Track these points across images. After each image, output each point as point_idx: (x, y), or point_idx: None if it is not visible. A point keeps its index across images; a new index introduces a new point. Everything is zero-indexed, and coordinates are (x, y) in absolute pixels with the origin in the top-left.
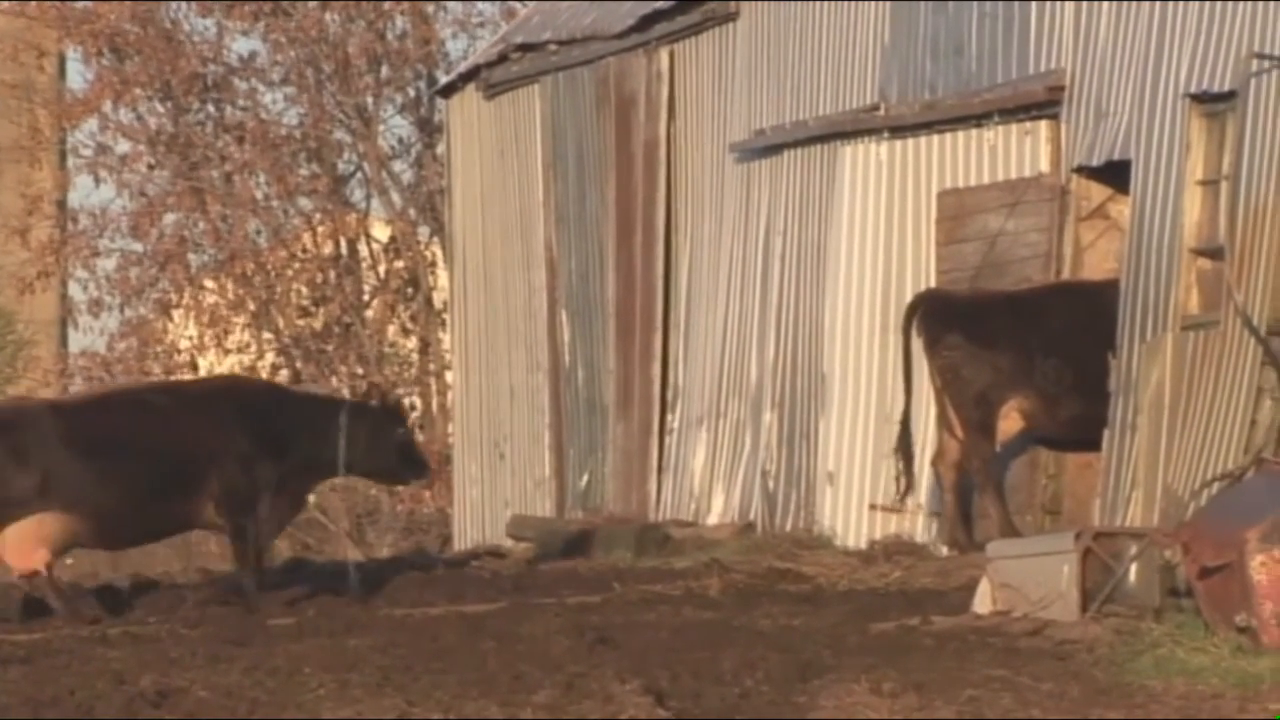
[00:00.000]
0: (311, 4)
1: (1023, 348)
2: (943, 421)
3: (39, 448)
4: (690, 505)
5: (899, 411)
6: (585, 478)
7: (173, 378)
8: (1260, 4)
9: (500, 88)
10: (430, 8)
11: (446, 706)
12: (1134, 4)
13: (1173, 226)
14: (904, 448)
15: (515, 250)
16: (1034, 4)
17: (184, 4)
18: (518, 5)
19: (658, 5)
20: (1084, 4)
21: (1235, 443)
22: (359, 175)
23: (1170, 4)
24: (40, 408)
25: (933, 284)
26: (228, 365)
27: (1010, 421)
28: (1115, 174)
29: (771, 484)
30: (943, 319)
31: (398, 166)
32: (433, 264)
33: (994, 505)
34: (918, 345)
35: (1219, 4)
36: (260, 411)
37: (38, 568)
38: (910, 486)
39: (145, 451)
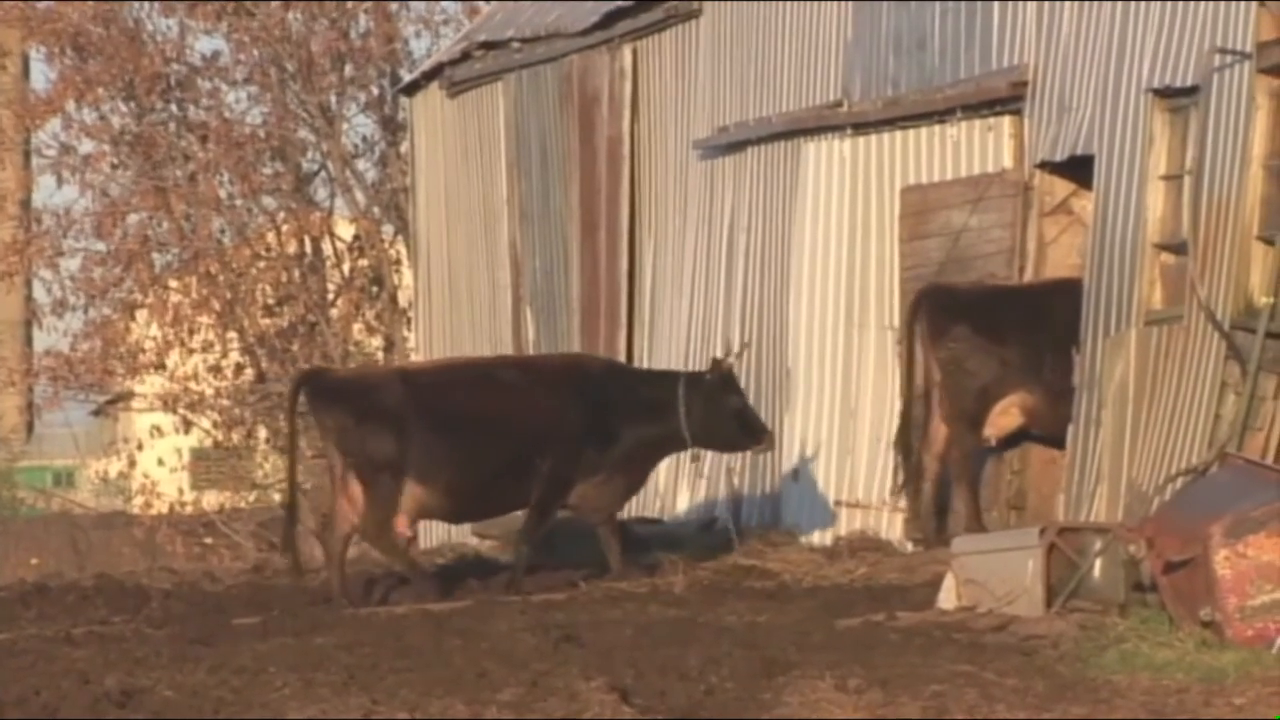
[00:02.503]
0: (274, 3)
1: (1030, 343)
2: (936, 412)
3: (390, 415)
4: (655, 502)
5: (877, 406)
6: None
7: (514, 354)
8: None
9: (464, 86)
10: (393, 6)
11: (412, 705)
12: (1096, 0)
13: (1136, 221)
14: (903, 441)
15: (479, 248)
16: (996, 0)
17: (147, 4)
18: (481, 3)
19: (621, 3)
20: (1046, 0)
21: (1199, 437)
22: (323, 174)
23: (1133, 0)
24: (394, 376)
25: (896, 280)
26: (192, 365)
27: (1009, 418)
28: (1078, 169)
29: (736, 480)
30: (949, 311)
31: (361, 165)
32: (397, 262)
33: (965, 501)
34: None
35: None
36: (601, 392)
37: (402, 532)
38: (909, 479)
39: (494, 428)
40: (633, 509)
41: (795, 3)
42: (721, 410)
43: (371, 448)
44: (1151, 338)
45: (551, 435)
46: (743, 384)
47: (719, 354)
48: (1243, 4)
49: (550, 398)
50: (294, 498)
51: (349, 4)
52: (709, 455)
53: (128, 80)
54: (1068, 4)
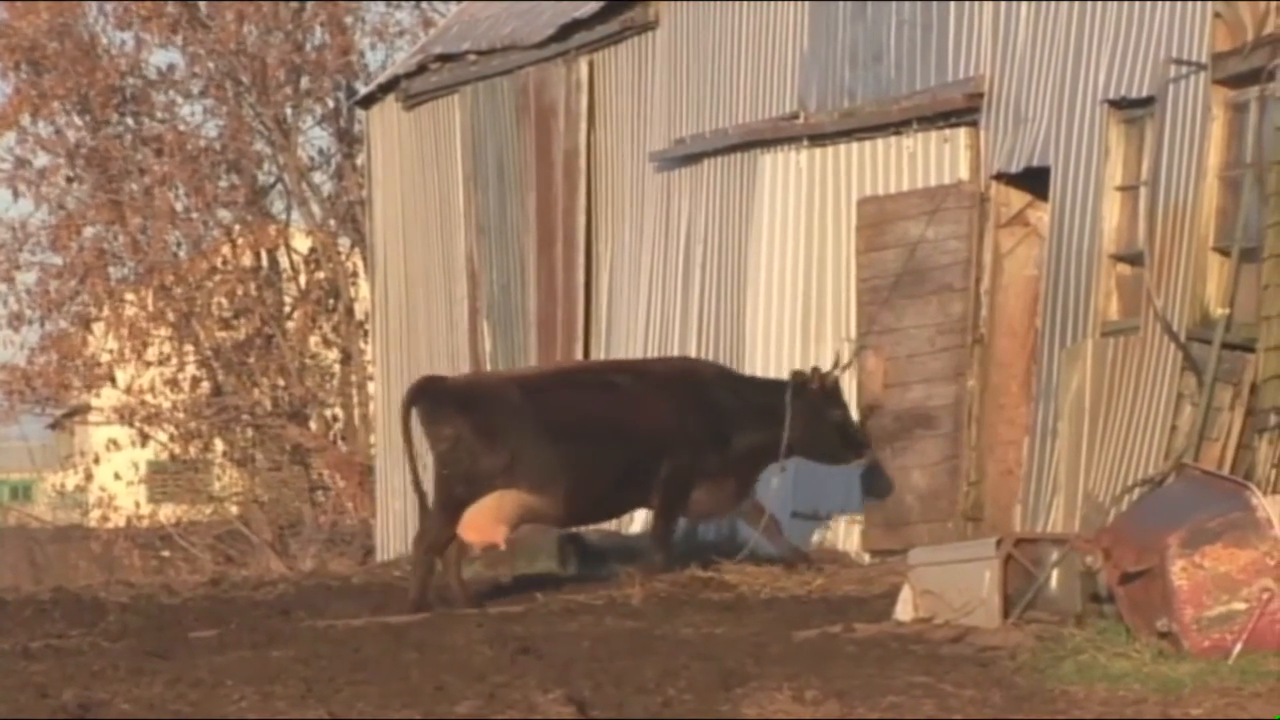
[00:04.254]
0: (229, 16)
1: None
2: None
3: (507, 425)
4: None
5: None
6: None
7: (624, 358)
8: (1177, 9)
9: (420, 98)
10: (348, 19)
11: (369, 718)
12: (1052, 10)
13: (1092, 232)
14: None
15: (436, 260)
16: (952, 11)
17: (102, 17)
18: (437, 16)
19: (577, 15)
20: (1002, 10)
21: (1156, 448)
22: (279, 186)
23: (1088, 10)
24: (509, 384)
25: (853, 292)
26: (148, 379)
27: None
28: (1034, 180)
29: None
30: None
31: (317, 177)
32: (354, 274)
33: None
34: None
35: (1136, 10)
36: (714, 397)
37: (496, 541)
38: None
39: (611, 433)
40: None
41: (751, 14)
42: (825, 420)
43: (483, 457)
44: (1108, 349)
45: (667, 440)
46: None
47: (824, 366)
48: (1198, 15)
49: (665, 402)
50: (423, 502)
51: (304, 17)
52: None
53: (83, 94)
54: (1023, 16)
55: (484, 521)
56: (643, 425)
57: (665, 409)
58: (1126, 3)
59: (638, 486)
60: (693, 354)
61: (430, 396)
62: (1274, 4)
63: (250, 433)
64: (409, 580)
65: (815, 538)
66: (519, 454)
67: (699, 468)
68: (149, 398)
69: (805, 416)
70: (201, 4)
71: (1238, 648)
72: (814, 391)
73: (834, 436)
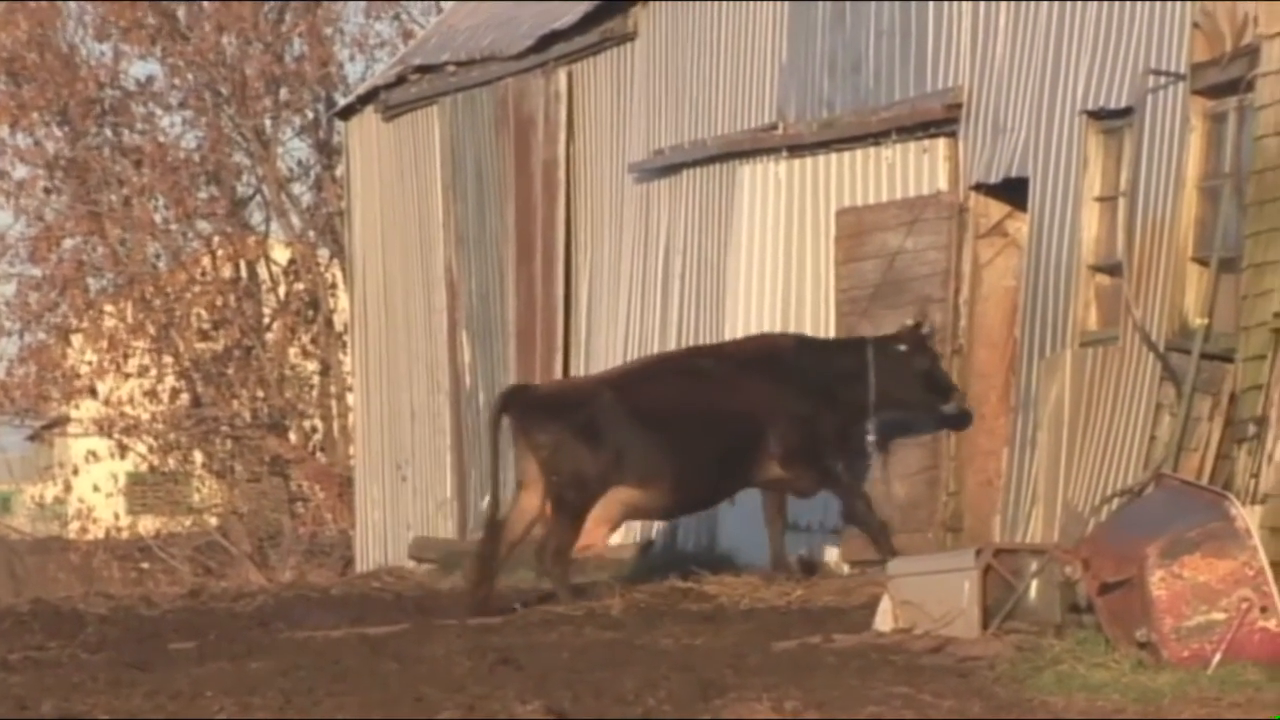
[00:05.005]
0: (208, 27)
1: None
2: None
3: (605, 425)
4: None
5: None
6: (487, 499)
7: (704, 344)
8: (1156, 20)
9: (399, 109)
10: (327, 30)
11: None
12: (1031, 21)
13: (1071, 243)
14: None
15: (415, 271)
16: (931, 21)
17: (81, 28)
18: (416, 27)
19: (555, 26)
20: (981, 21)
21: (1135, 458)
22: (258, 198)
23: (1066, 21)
24: (599, 385)
25: (832, 303)
26: (127, 390)
27: None
28: (1013, 191)
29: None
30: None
31: (297, 189)
32: (333, 286)
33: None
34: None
35: (1115, 20)
36: (800, 365)
37: (595, 545)
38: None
39: (705, 418)
40: None
41: (730, 26)
42: (910, 371)
43: (585, 462)
44: (1087, 359)
45: (763, 417)
46: None
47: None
48: (1177, 25)
49: (753, 380)
50: (495, 512)
51: (283, 28)
52: None
53: (62, 105)
54: (1002, 26)
55: (589, 524)
56: (735, 406)
57: (755, 386)
58: (1105, 14)
59: (738, 469)
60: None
61: (521, 405)
62: (1252, 14)
63: (229, 444)
64: (557, 592)
65: (794, 548)
66: (620, 452)
67: (816, 435)
68: (128, 409)
69: (889, 371)
70: (180, 15)
71: (1217, 658)
72: (899, 345)
73: (920, 386)
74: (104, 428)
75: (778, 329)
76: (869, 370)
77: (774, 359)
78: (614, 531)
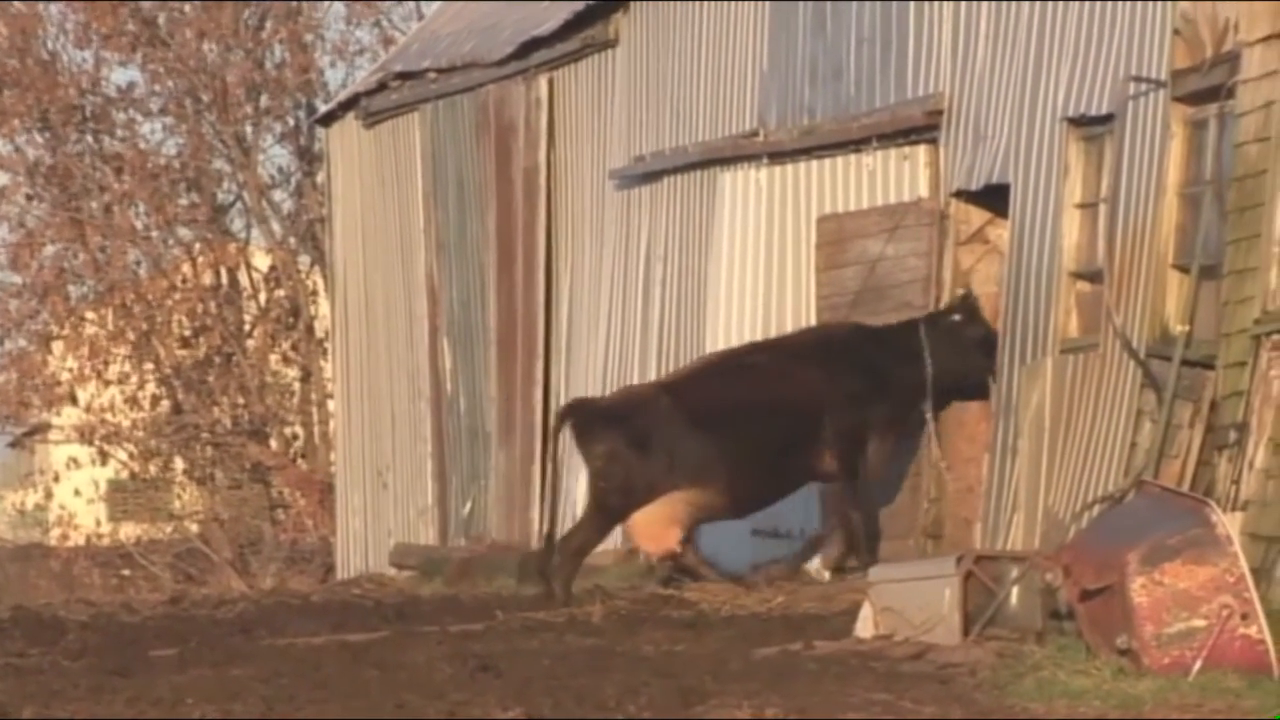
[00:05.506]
0: (189, 34)
1: None
2: None
3: (660, 431)
4: None
5: None
6: (468, 505)
7: (759, 339)
8: (1136, 27)
9: (380, 116)
10: (308, 37)
11: None
12: (1011, 28)
13: (1051, 250)
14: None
15: (396, 278)
16: (911, 28)
17: (62, 35)
18: (397, 34)
19: (537, 32)
20: (961, 28)
21: (1115, 465)
22: (239, 204)
23: (1047, 28)
24: (652, 391)
25: (813, 309)
26: (108, 397)
27: None
28: (994, 198)
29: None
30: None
31: (277, 195)
32: (314, 293)
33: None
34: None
35: (1095, 27)
36: (856, 353)
37: (673, 547)
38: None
39: (761, 413)
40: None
41: (711, 32)
42: (964, 341)
43: (634, 470)
44: (1067, 366)
45: (819, 408)
46: None
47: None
48: (1157, 32)
49: (809, 371)
50: (554, 527)
51: (264, 35)
52: None
53: (43, 112)
54: (983, 33)
55: (658, 529)
56: (791, 399)
57: (810, 378)
58: (1086, 20)
59: (800, 461)
60: (651, 369)
61: (580, 417)
62: (1233, 21)
63: (210, 451)
64: (554, 587)
65: (775, 555)
66: (676, 456)
67: (865, 424)
68: (109, 416)
69: (944, 345)
70: (161, 22)
71: (1197, 665)
72: (951, 317)
73: (977, 353)
74: (85, 434)
75: (759, 336)
76: (924, 350)
77: (830, 349)
78: (685, 533)
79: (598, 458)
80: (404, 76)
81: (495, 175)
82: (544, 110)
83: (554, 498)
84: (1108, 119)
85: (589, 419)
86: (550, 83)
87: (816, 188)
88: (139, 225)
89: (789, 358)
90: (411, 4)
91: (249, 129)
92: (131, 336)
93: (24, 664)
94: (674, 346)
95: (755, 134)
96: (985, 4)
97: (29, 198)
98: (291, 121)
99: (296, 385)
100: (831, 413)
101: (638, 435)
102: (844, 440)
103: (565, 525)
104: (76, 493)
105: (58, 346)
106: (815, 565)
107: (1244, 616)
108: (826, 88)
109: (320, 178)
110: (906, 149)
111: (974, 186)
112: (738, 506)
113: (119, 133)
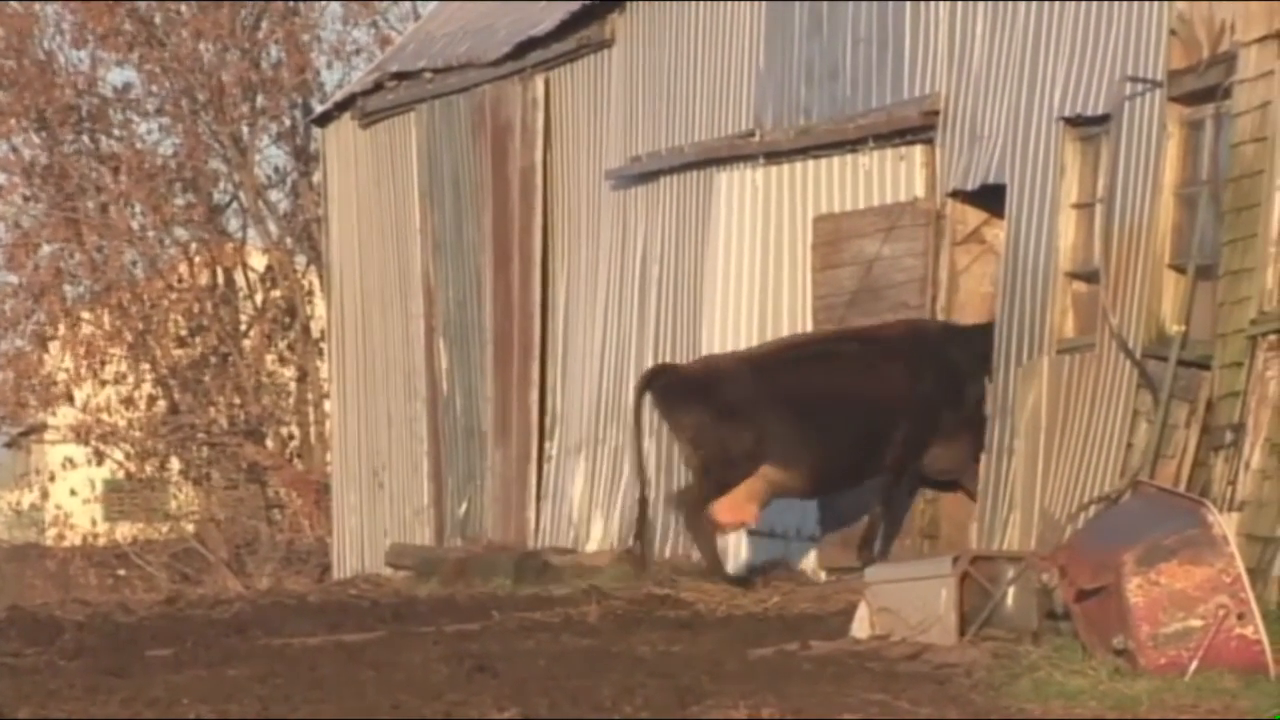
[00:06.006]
0: (186, 34)
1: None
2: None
3: (746, 404)
4: (569, 532)
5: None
6: (464, 506)
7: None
8: (1133, 28)
9: (376, 116)
10: (305, 37)
11: None
12: (1007, 28)
13: (1048, 250)
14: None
15: (392, 278)
16: (908, 29)
17: (58, 35)
18: (393, 34)
19: (533, 33)
20: (958, 29)
21: (1111, 465)
22: (235, 204)
23: (1043, 29)
24: (741, 363)
25: (809, 310)
26: (104, 397)
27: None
28: (990, 198)
29: (650, 510)
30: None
31: (274, 195)
32: (310, 293)
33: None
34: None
35: (1092, 28)
36: (943, 352)
37: (747, 522)
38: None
39: (848, 402)
40: (547, 538)
41: (707, 33)
42: None
43: (728, 441)
44: (1064, 366)
45: (901, 403)
46: (656, 415)
47: None
48: (1154, 32)
49: (895, 365)
50: (644, 493)
51: (261, 35)
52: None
53: (39, 111)
54: (979, 34)
55: (737, 501)
56: (876, 393)
57: (896, 372)
58: (1082, 21)
59: (875, 454)
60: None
61: (664, 385)
62: (1229, 21)
63: (206, 451)
64: (701, 552)
65: (772, 554)
66: (762, 432)
67: (933, 427)
68: (105, 416)
69: None
70: (158, 22)
71: (1194, 665)
72: None
73: None
74: (81, 434)
75: (755, 336)
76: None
77: (919, 348)
78: (763, 509)
79: (686, 428)
80: (400, 77)
81: (491, 175)
82: (540, 110)
83: (640, 462)
84: (1104, 119)
85: (674, 387)
86: (546, 83)
87: (813, 188)
88: (135, 225)
89: (879, 351)
90: (408, 4)
91: (245, 129)
92: (128, 336)
93: (20, 664)
94: (670, 346)
95: (751, 134)
96: (981, 4)
97: (25, 198)
98: (288, 121)
99: (293, 385)
100: (907, 414)
101: (725, 406)
102: (910, 444)
103: (563, 523)
104: (73, 493)
105: (54, 346)
106: (811, 565)
107: (1240, 617)
108: (822, 88)
109: (316, 178)
110: (903, 149)
111: (970, 187)
112: (815, 490)
113: (115, 132)
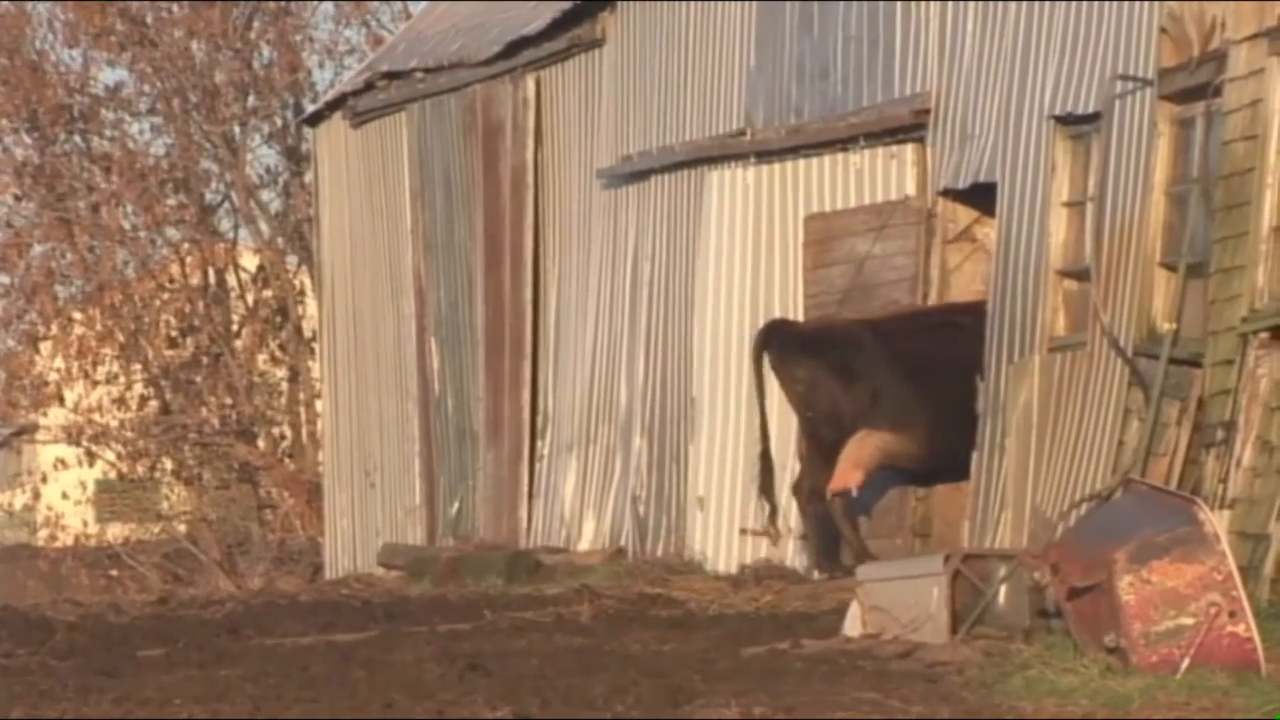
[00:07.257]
0: (178, 34)
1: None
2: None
3: (864, 365)
4: (561, 531)
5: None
6: (456, 505)
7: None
8: (1123, 26)
9: (367, 116)
10: (297, 37)
11: None
12: (998, 27)
13: (1039, 248)
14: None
15: (384, 278)
16: (899, 28)
17: (50, 34)
18: (384, 33)
19: (524, 32)
20: (948, 27)
21: (1103, 463)
22: (227, 204)
23: (1034, 27)
24: (859, 325)
25: (801, 308)
26: (96, 398)
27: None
28: (981, 196)
29: (642, 509)
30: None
31: (265, 195)
32: (301, 293)
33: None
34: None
35: (1082, 26)
36: None
37: (850, 488)
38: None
39: (963, 374)
40: (539, 537)
41: (698, 32)
42: None
43: (840, 399)
44: (1055, 364)
45: None
46: (647, 414)
47: None
48: (1144, 31)
49: None
50: (767, 446)
51: (252, 35)
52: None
53: (31, 111)
54: (969, 32)
55: (844, 465)
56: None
57: None
58: (1073, 19)
59: (974, 428)
60: (639, 368)
61: (781, 340)
62: (1220, 19)
63: (198, 451)
64: (839, 527)
65: (763, 553)
66: (877, 394)
67: None
68: (97, 416)
69: None
70: (149, 21)
71: (1185, 663)
72: None
73: None
74: (73, 435)
75: (746, 335)
76: None
77: None
78: (868, 477)
79: (799, 382)
80: (391, 76)
81: (483, 175)
82: (531, 110)
83: (763, 419)
84: (1095, 117)
85: (791, 341)
86: (537, 82)
87: (804, 187)
88: (127, 225)
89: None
90: (400, 4)
91: (237, 129)
92: (119, 337)
93: (12, 664)
94: (662, 345)
95: (742, 133)
96: (972, 3)
97: (17, 197)
98: (279, 121)
99: (284, 385)
100: None
101: (841, 365)
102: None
103: (554, 522)
104: (64, 495)
105: (45, 347)
106: (803, 564)
107: (1232, 614)
108: (814, 87)
109: (308, 178)
110: (894, 148)
111: (961, 185)
112: (925, 460)
113: (107, 132)
